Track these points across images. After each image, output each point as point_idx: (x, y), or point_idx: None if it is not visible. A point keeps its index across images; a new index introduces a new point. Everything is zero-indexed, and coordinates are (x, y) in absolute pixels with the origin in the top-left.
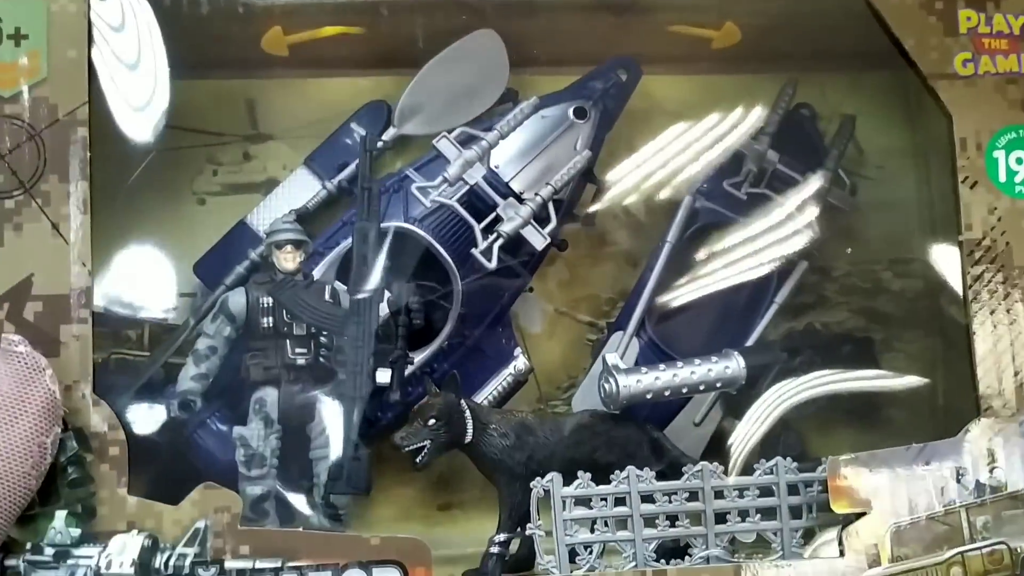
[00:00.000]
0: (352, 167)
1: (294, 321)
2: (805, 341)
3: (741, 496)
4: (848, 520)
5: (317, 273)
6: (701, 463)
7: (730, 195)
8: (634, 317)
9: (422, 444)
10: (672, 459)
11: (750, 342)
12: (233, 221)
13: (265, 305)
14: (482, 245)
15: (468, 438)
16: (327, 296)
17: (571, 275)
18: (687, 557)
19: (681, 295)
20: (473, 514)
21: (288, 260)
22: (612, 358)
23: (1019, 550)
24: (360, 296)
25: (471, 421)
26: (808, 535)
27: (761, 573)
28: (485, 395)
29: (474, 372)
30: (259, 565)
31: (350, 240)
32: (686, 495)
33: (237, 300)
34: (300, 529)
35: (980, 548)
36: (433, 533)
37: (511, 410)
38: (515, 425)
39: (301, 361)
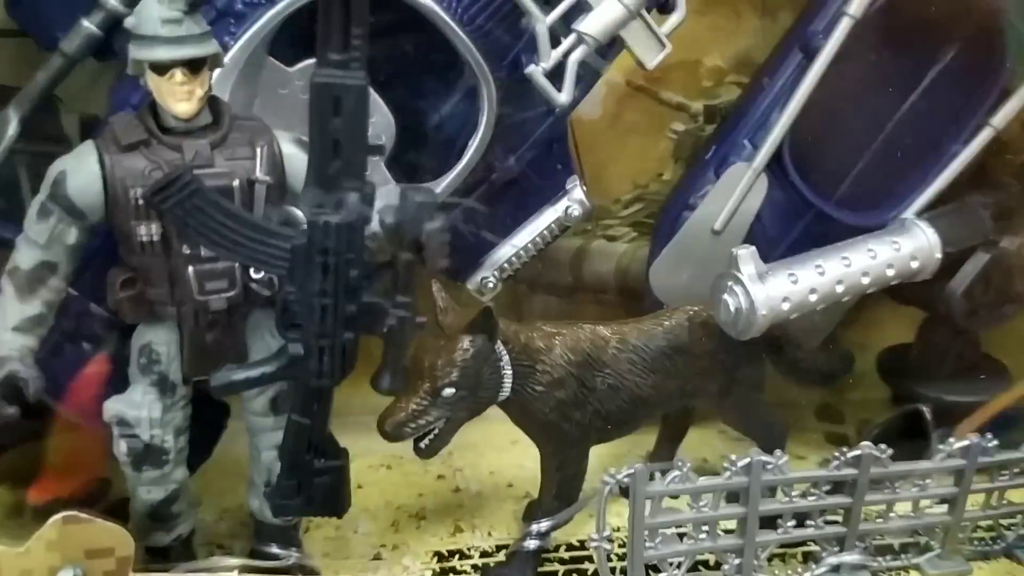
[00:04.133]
0: None
1: (201, 242)
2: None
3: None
4: None
5: (229, 60)
6: (862, 443)
7: None
8: (771, 137)
9: (431, 428)
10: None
11: (930, 193)
12: None
13: (138, 203)
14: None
15: (504, 395)
16: (260, 171)
17: None
18: (811, 565)
19: (840, 108)
20: None
21: (179, 96)
22: (747, 261)
23: None
24: (317, 215)
25: (510, 371)
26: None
27: None
28: (515, 247)
29: (503, 211)
30: None
31: None
32: (827, 487)
33: (84, 185)
34: (234, 572)
35: None
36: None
37: (566, 326)
38: (575, 363)
39: (218, 304)
